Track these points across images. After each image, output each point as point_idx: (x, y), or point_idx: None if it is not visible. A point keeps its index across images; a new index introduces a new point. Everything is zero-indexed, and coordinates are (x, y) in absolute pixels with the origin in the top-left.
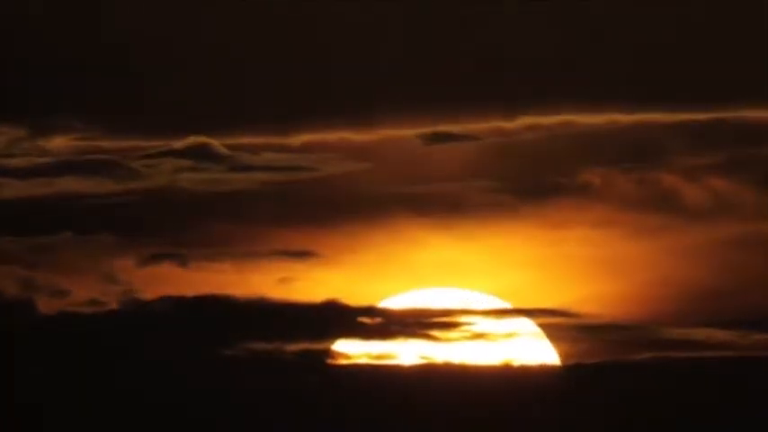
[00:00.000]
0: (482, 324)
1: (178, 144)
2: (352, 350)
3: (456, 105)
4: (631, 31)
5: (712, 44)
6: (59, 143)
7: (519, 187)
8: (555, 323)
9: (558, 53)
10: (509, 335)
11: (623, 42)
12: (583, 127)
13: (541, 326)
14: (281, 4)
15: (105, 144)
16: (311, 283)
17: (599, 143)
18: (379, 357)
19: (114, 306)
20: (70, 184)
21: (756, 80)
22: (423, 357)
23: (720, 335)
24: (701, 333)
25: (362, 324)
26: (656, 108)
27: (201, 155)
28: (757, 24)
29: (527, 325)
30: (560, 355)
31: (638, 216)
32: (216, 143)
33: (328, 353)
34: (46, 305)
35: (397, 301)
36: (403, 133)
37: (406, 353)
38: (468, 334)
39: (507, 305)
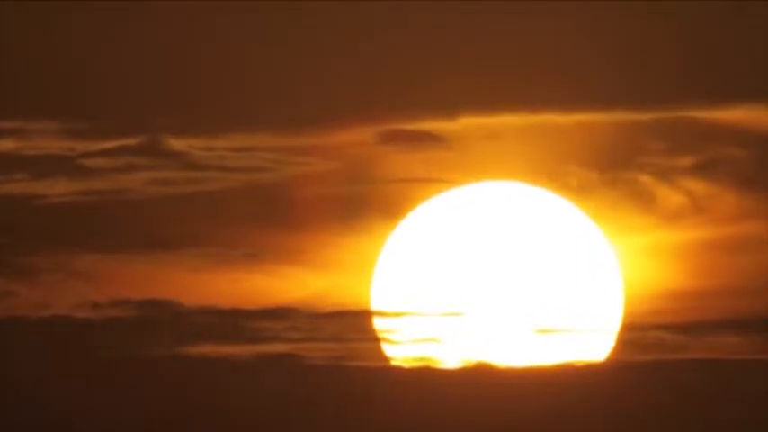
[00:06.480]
0: (443, 325)
1: (129, 142)
2: (312, 353)
3: (413, 104)
4: (591, 30)
5: (677, 43)
6: (8, 144)
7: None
8: (513, 324)
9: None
10: (470, 335)
11: (584, 42)
12: (551, 127)
13: (500, 327)
14: (235, 5)
15: (55, 144)
16: (270, 286)
17: (572, 143)
18: (342, 359)
19: (64, 309)
20: (19, 185)
21: (727, 79)
22: (386, 358)
23: (675, 339)
24: (657, 336)
25: (322, 326)
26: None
27: (153, 154)
28: (725, 23)
29: (489, 325)
30: (518, 358)
31: (616, 217)
32: (169, 142)
33: (288, 356)
34: None
35: (357, 302)
36: (360, 132)
37: (368, 354)
38: (428, 335)
39: (472, 305)
